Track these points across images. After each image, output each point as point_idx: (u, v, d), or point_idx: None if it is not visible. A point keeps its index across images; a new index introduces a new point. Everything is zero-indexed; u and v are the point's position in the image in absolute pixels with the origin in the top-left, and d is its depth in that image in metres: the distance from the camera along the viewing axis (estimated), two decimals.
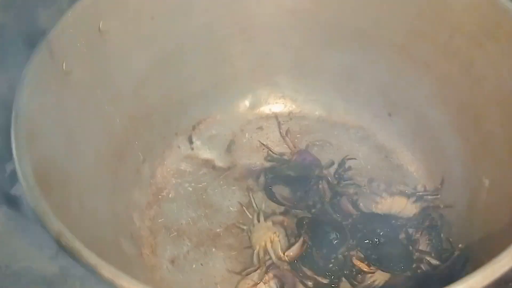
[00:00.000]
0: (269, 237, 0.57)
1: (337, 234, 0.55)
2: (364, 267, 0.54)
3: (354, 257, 0.55)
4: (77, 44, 0.51)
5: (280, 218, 0.60)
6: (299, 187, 0.62)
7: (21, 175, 0.38)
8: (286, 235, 0.58)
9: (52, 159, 0.46)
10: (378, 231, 0.56)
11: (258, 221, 0.60)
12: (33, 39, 0.49)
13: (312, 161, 0.65)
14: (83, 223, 0.47)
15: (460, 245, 0.53)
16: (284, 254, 0.55)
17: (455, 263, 0.51)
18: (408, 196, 0.57)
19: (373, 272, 0.54)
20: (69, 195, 0.46)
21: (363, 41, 0.63)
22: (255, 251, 0.57)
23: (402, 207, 0.57)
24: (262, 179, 0.66)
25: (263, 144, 0.70)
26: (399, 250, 0.55)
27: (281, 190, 0.63)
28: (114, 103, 0.59)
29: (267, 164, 0.68)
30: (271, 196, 0.63)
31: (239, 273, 0.57)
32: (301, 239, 0.56)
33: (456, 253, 0.53)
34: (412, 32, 0.58)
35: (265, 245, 0.56)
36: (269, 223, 0.59)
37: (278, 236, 0.57)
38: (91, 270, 0.32)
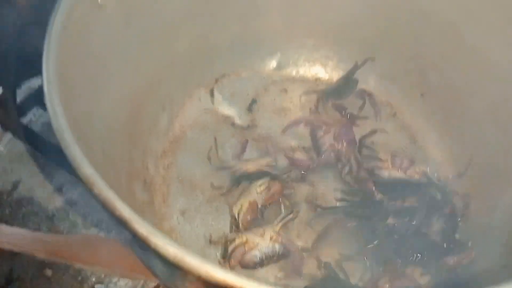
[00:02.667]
0: (240, 205, 0.57)
1: None
2: None
3: None
4: None
5: (277, 186, 0.59)
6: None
7: (52, 113, 0.36)
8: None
9: (79, 96, 0.44)
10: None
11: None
12: None
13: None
14: (104, 168, 0.45)
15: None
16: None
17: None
18: None
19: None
20: (92, 138, 0.45)
21: (411, 14, 0.59)
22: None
23: None
24: None
25: None
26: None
27: None
28: (142, 46, 0.56)
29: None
30: None
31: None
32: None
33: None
34: (468, 12, 0.54)
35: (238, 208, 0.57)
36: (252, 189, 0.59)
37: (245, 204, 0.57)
38: (122, 222, 0.31)
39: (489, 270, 0.47)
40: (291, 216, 0.58)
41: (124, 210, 0.30)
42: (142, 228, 0.29)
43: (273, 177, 0.59)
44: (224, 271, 0.27)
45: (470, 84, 0.58)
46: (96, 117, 0.47)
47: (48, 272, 0.55)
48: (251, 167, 0.60)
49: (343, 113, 0.65)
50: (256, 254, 0.53)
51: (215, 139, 0.64)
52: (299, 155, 0.64)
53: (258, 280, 0.25)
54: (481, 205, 0.55)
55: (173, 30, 0.60)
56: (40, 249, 0.54)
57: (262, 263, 0.54)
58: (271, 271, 0.55)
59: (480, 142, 0.58)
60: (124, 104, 0.55)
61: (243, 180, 0.60)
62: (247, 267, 0.54)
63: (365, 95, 0.67)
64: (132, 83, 0.56)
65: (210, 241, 0.56)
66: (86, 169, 0.32)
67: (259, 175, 0.59)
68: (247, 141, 0.64)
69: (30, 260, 0.54)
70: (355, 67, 0.66)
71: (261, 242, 0.54)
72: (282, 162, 0.63)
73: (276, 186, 0.59)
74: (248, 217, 0.56)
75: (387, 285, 0.49)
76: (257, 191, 0.58)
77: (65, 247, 0.55)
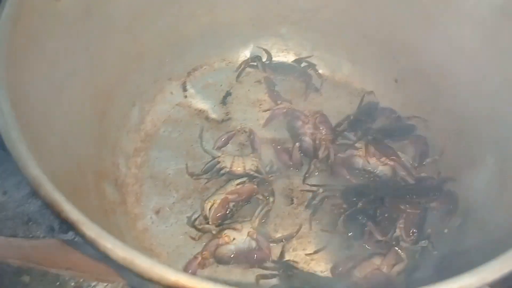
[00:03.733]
0: (213, 200, 0.56)
1: None
2: None
3: None
4: None
5: (250, 187, 0.58)
6: None
7: None
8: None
9: (34, 94, 0.42)
10: None
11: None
12: None
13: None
14: (65, 167, 0.44)
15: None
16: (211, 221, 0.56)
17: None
18: None
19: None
20: (50, 136, 0.43)
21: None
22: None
23: None
24: None
25: None
26: None
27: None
28: (105, 38, 0.54)
29: None
30: None
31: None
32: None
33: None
34: None
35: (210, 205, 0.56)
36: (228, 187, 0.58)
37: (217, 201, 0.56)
38: (70, 224, 0.29)
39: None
40: (266, 208, 0.56)
41: (71, 212, 0.28)
42: (90, 230, 0.27)
43: (258, 181, 0.58)
44: (176, 272, 0.25)
45: (442, 68, 0.57)
46: (55, 114, 0.45)
47: (26, 279, 0.54)
48: (238, 169, 0.59)
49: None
50: (231, 248, 0.53)
51: (202, 130, 0.64)
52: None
53: (211, 280, 0.24)
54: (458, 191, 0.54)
55: (138, 20, 0.58)
56: (15, 256, 0.52)
57: (237, 258, 0.53)
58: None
59: (454, 127, 0.57)
60: (89, 100, 0.53)
61: (227, 177, 0.59)
62: (222, 261, 0.53)
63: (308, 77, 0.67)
64: (97, 77, 0.54)
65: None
66: (32, 169, 0.30)
67: (247, 177, 0.59)
68: (233, 134, 0.63)
69: (6, 267, 0.52)
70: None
71: (238, 237, 0.53)
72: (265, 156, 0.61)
73: (249, 187, 0.57)
74: (218, 214, 0.55)
75: (360, 276, 0.48)
76: (232, 189, 0.57)
77: (41, 252, 0.54)
